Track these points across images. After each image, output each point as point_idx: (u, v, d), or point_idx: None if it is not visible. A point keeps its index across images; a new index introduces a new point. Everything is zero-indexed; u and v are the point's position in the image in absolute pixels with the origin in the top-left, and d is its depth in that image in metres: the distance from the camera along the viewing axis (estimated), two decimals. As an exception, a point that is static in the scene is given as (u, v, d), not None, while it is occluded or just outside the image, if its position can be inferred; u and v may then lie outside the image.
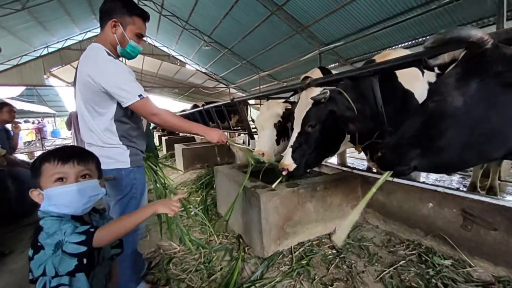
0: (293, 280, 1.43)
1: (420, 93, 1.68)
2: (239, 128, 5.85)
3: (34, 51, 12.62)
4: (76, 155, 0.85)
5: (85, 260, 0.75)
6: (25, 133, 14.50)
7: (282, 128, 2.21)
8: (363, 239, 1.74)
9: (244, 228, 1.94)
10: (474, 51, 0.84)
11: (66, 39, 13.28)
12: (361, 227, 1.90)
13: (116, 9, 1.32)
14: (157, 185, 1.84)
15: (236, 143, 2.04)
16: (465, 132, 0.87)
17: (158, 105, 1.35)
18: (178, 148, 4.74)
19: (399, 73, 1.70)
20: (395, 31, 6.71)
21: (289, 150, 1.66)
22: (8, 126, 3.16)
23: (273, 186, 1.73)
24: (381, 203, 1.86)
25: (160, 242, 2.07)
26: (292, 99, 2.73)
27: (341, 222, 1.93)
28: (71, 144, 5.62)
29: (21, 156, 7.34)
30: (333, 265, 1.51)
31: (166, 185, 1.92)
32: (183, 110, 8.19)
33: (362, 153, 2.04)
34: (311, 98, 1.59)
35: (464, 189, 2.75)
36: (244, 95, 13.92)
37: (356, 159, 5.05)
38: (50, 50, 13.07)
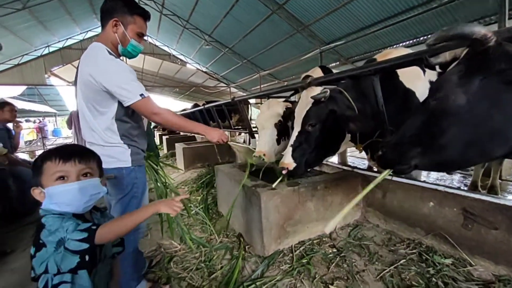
0: (293, 279, 1.43)
1: (422, 92, 1.67)
2: (240, 127, 5.86)
3: (35, 50, 12.64)
4: (77, 153, 0.85)
5: (87, 257, 0.75)
6: (26, 132, 14.53)
7: (283, 128, 2.21)
8: (363, 238, 1.74)
9: (244, 227, 1.94)
10: (477, 48, 0.83)
11: (67, 39, 13.30)
12: (362, 226, 1.90)
13: (117, 8, 1.32)
14: (158, 184, 1.84)
15: (237, 142, 2.04)
16: (467, 130, 0.87)
17: (159, 105, 1.35)
18: (179, 147, 4.74)
19: (400, 72, 1.69)
20: (396, 30, 6.69)
21: (289, 149, 1.66)
22: (10, 125, 3.16)
23: (274, 185, 1.73)
24: (381, 202, 1.86)
25: (161, 240, 2.07)
26: (292, 98, 2.73)
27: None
28: (72, 143, 5.63)
29: (22, 155, 7.37)
30: (333, 264, 1.51)
31: (167, 184, 1.93)
32: (184, 109, 8.21)
33: (363, 153, 2.03)
34: (311, 97, 1.59)
35: (465, 188, 2.75)
36: (244, 94, 13.92)
37: (357, 158, 5.04)
38: (51, 49, 13.09)
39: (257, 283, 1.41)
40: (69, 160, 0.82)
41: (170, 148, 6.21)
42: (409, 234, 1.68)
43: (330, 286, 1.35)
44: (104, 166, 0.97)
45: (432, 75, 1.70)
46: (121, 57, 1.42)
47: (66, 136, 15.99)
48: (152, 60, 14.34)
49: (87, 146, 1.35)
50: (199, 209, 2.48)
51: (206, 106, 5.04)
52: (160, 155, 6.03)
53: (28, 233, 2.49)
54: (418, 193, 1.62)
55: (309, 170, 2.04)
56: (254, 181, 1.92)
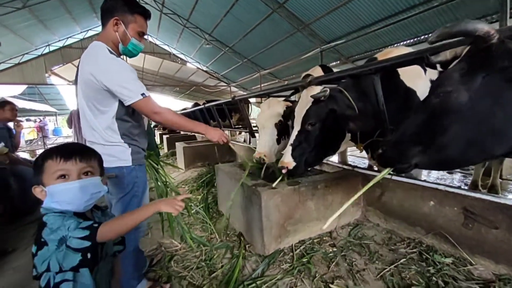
0: (294, 278, 1.43)
1: (422, 91, 1.67)
2: (240, 126, 5.85)
3: (36, 49, 12.66)
4: (78, 152, 0.85)
5: (89, 255, 0.75)
6: (27, 131, 14.55)
7: (283, 127, 2.21)
8: (364, 237, 1.74)
9: (245, 226, 1.95)
10: (480, 45, 0.82)
11: (67, 38, 13.30)
12: (362, 225, 1.90)
13: (117, 7, 1.32)
14: (159, 183, 1.84)
15: (237, 142, 2.04)
16: (468, 128, 0.86)
17: (159, 104, 1.35)
18: (179, 146, 4.75)
19: (401, 71, 1.69)
20: (397, 29, 6.68)
21: (288, 149, 1.66)
22: (10, 124, 3.17)
23: (274, 185, 1.72)
24: (381, 201, 1.86)
25: (162, 240, 2.08)
26: (292, 98, 2.72)
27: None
28: (73, 141, 5.63)
29: (23, 155, 7.38)
30: (333, 263, 1.51)
31: (167, 183, 1.93)
32: (184, 109, 8.21)
33: (364, 152, 2.03)
34: (311, 96, 1.59)
35: (466, 188, 2.75)
36: (245, 93, 13.91)
37: (357, 157, 5.04)
38: (52, 48, 13.10)
39: (258, 282, 1.41)
40: (70, 159, 0.82)
41: (171, 147, 6.21)
42: (409, 233, 1.68)
43: (330, 285, 1.35)
44: (104, 165, 0.98)
45: (433, 74, 1.70)
46: (122, 56, 1.42)
47: (67, 135, 16.00)
48: (152, 59, 14.34)
49: (88, 145, 1.35)
50: (199, 208, 2.48)
51: (207, 105, 5.03)
52: (161, 154, 6.03)
53: (29, 232, 2.50)
54: (419, 192, 1.62)
55: (309, 169, 2.04)
56: (255, 180, 1.92)
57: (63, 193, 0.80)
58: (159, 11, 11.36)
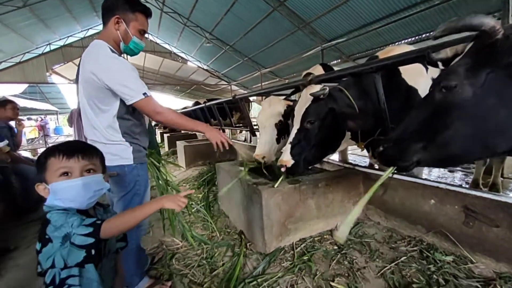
0: (294, 276, 1.44)
1: (424, 89, 1.66)
2: (241, 125, 5.85)
3: (36, 48, 12.68)
4: (80, 149, 0.86)
5: (93, 251, 0.76)
6: (28, 130, 14.58)
7: (283, 126, 2.22)
8: (364, 236, 1.75)
9: (246, 225, 1.95)
10: (485, 41, 0.81)
11: (68, 37, 13.32)
12: (363, 223, 1.90)
13: (118, 6, 1.32)
14: (160, 181, 1.85)
15: (238, 140, 2.05)
16: (471, 124, 0.85)
17: (160, 103, 1.35)
18: (180, 145, 4.75)
19: (403, 69, 1.69)
20: (398, 27, 6.65)
21: (288, 147, 1.65)
22: (12, 123, 3.18)
23: (275, 186, 1.72)
24: (382, 200, 1.86)
25: (163, 238, 2.09)
26: (293, 97, 2.72)
27: (342, 218, 1.94)
28: (75, 139, 5.64)
29: (24, 153, 7.41)
30: (334, 261, 1.52)
31: (169, 181, 1.93)
32: (185, 107, 8.20)
33: (364, 150, 2.03)
34: (310, 94, 1.59)
35: (467, 186, 2.74)
36: (245, 92, 13.89)
37: (358, 156, 5.04)
38: (52, 47, 13.12)
39: (259, 280, 1.42)
40: (73, 156, 0.83)
41: (171, 146, 6.22)
42: (410, 232, 1.68)
43: (331, 283, 1.35)
44: (106, 163, 0.98)
45: (434, 72, 1.69)
46: (123, 55, 1.42)
47: (68, 134, 16.02)
48: (153, 58, 14.33)
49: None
50: (200, 207, 2.49)
51: (207, 104, 5.03)
52: (161, 153, 6.04)
53: (31, 230, 2.51)
54: (420, 191, 1.62)
55: (310, 168, 2.04)
56: (256, 178, 1.92)
57: (66, 191, 0.81)
58: (159, 10, 11.35)
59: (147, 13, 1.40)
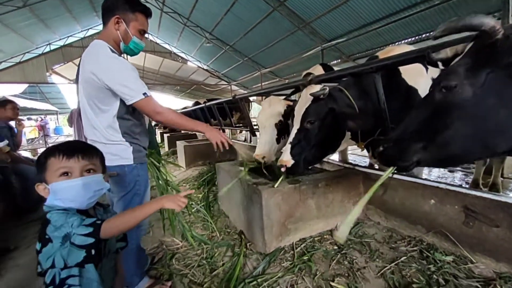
0: (294, 276, 1.44)
1: (424, 89, 1.66)
2: (241, 125, 5.85)
3: (36, 48, 12.68)
4: (80, 149, 0.86)
5: (93, 251, 0.76)
6: (28, 130, 14.58)
7: (283, 127, 2.22)
8: (364, 236, 1.75)
9: (246, 225, 1.95)
10: (485, 41, 0.81)
11: (68, 37, 13.32)
12: (363, 223, 1.90)
13: (118, 6, 1.32)
14: (160, 181, 1.85)
15: (238, 141, 2.05)
16: (471, 124, 0.85)
17: (160, 103, 1.35)
18: (180, 145, 4.75)
19: (403, 69, 1.69)
20: (398, 27, 6.65)
21: (288, 147, 1.66)
22: (12, 123, 3.18)
23: (275, 186, 1.72)
24: (382, 200, 1.86)
25: (163, 238, 2.09)
26: (293, 97, 2.72)
27: (342, 218, 1.94)
28: (75, 139, 5.64)
29: (24, 153, 7.41)
30: (334, 261, 1.52)
31: (169, 181, 1.93)
32: (185, 107, 8.21)
33: (364, 150, 2.03)
34: (310, 94, 1.59)
35: (467, 186, 2.75)
36: (245, 92, 13.90)
37: (358, 156, 5.04)
38: (52, 47, 13.12)
39: (259, 280, 1.42)
40: (73, 156, 0.83)
41: (171, 146, 6.22)
42: (410, 232, 1.68)
43: (331, 283, 1.35)
44: (106, 163, 0.98)
45: (434, 72, 1.69)
46: (123, 55, 1.42)
47: (68, 134, 16.02)
48: (153, 58, 14.33)
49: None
50: (200, 207, 2.49)
51: (207, 104, 5.03)
52: (161, 153, 6.04)
53: (31, 230, 2.51)
54: (420, 191, 1.62)
55: (310, 168, 2.04)
56: (256, 178, 1.92)
57: (66, 191, 0.81)
58: (159, 10, 11.35)
59: (147, 13, 1.40)
